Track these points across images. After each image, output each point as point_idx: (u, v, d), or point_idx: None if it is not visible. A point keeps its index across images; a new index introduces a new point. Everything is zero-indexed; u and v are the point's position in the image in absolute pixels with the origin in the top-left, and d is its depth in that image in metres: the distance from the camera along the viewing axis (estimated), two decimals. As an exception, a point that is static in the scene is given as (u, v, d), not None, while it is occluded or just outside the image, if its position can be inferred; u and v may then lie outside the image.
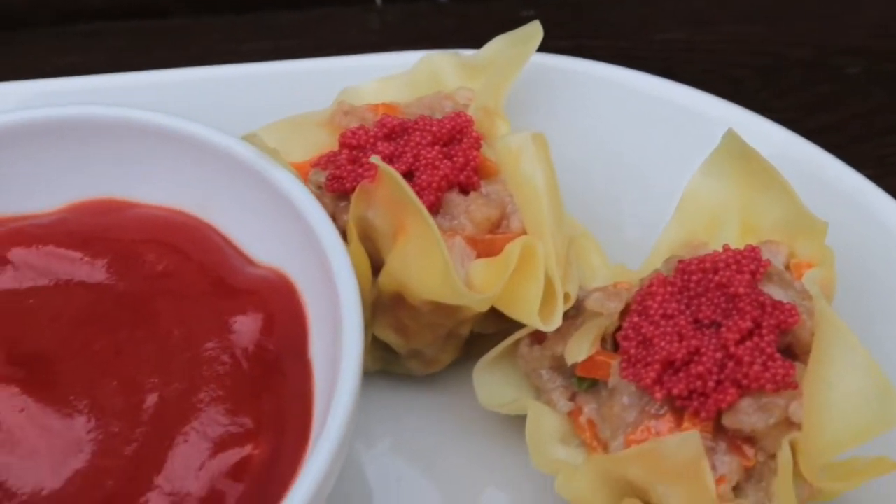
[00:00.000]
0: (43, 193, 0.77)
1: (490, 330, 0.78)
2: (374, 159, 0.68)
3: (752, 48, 1.12)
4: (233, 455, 0.64)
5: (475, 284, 0.71)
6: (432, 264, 0.68)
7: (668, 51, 1.11)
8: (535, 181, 0.71)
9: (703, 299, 0.67)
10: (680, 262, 0.69)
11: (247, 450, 0.64)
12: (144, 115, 0.75)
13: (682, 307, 0.67)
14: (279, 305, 0.71)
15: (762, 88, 1.08)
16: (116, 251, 0.73)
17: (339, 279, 0.66)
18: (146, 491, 0.62)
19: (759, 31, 1.14)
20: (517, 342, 0.74)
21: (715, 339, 0.65)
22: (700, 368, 0.64)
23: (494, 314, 0.75)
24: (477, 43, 0.86)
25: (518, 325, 0.75)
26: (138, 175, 0.77)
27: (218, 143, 0.74)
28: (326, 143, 0.80)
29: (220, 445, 0.64)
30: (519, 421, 0.74)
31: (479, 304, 0.70)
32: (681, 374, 0.65)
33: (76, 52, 1.13)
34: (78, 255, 0.73)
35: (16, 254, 0.72)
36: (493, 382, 0.75)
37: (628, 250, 0.79)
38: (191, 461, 0.63)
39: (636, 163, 0.85)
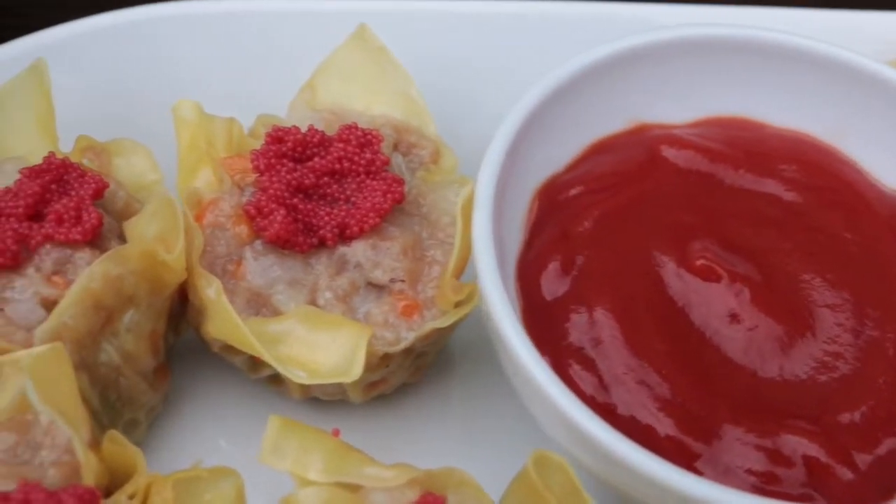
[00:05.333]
0: (677, 106, 0.83)
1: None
2: None
3: None
4: None
5: None
6: None
7: None
8: None
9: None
10: None
11: None
12: (781, 36, 0.80)
13: None
14: None
15: None
16: (770, 165, 0.80)
17: None
18: (879, 375, 0.70)
19: None
20: None
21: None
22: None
23: None
24: None
25: None
26: (767, 96, 0.82)
27: (867, 69, 0.79)
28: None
29: None
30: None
31: None
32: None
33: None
34: (734, 165, 0.79)
35: (671, 154, 0.79)
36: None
37: None
38: None
39: None
